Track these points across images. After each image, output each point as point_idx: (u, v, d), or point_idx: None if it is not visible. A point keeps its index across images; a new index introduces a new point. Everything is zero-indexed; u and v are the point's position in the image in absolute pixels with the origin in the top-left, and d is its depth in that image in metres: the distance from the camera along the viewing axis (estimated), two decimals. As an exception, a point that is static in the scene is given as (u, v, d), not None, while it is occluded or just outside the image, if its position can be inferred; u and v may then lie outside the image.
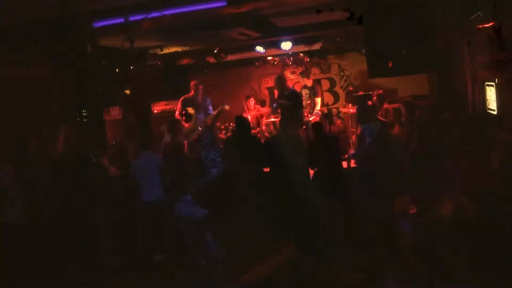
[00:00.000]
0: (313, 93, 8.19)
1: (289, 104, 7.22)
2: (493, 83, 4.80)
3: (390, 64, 4.70)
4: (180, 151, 5.81)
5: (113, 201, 5.48)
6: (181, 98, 7.57)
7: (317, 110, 8.04)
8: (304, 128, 7.95)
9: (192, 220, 5.54)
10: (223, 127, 8.45)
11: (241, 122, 5.89)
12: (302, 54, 9.55)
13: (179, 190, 5.59)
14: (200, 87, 7.59)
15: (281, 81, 7.66)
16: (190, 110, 7.31)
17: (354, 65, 9.63)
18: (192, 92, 7.56)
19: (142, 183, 5.50)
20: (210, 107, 7.69)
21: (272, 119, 8.23)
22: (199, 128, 7.29)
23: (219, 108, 7.52)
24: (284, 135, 6.09)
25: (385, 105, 7.02)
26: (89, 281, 4.90)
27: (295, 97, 7.38)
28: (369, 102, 7.28)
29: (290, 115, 7.11)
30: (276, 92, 7.90)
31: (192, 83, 7.66)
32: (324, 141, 5.68)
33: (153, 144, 5.78)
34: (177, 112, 7.51)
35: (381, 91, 7.51)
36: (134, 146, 6.21)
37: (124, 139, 7.66)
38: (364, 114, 5.39)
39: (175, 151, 5.77)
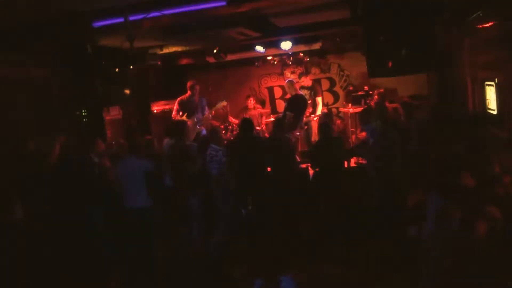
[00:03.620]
0: (314, 93, 8.21)
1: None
2: (493, 83, 4.80)
3: (390, 64, 4.70)
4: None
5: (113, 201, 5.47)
6: (178, 99, 7.57)
7: (322, 110, 8.14)
8: (306, 128, 7.97)
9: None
10: (222, 126, 8.46)
11: (245, 122, 5.93)
12: (302, 54, 9.56)
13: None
14: (197, 87, 7.59)
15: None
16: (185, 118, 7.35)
17: (354, 65, 9.63)
18: (188, 93, 7.56)
19: (125, 188, 5.21)
20: (206, 107, 7.73)
21: (272, 119, 8.24)
22: (198, 127, 7.32)
23: (217, 106, 7.57)
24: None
25: (385, 104, 7.04)
26: (88, 281, 4.92)
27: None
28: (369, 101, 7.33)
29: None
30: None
31: (188, 83, 7.64)
32: (330, 141, 5.70)
33: (140, 148, 5.45)
34: (174, 113, 7.53)
35: (382, 90, 7.51)
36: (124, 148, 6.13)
37: (123, 138, 7.66)
38: (364, 115, 5.43)
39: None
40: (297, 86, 8.26)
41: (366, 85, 8.84)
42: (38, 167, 5.20)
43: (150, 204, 5.23)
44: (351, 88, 9.69)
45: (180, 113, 7.43)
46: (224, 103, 7.66)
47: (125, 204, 5.20)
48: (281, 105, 10.45)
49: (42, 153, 5.49)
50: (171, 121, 7.30)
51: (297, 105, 7.52)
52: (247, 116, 8.56)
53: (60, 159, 5.34)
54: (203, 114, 7.60)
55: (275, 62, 10.00)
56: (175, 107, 7.57)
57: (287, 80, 8.17)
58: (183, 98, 7.56)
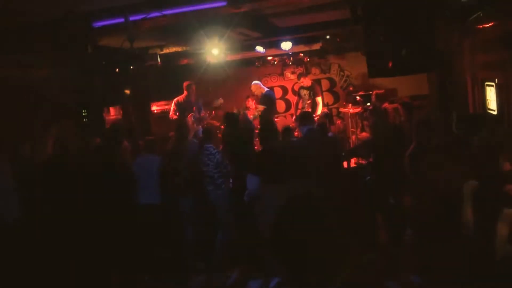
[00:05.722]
0: (313, 93, 8.23)
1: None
2: (493, 83, 4.81)
3: (390, 64, 4.69)
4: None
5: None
6: (174, 100, 7.60)
7: (322, 110, 8.14)
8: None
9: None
10: (222, 127, 8.45)
11: (229, 118, 5.91)
12: (302, 54, 9.56)
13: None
14: (193, 87, 7.66)
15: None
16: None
17: (354, 65, 9.64)
18: (185, 93, 7.59)
19: (139, 185, 5.38)
20: (202, 108, 7.80)
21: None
22: (195, 126, 7.34)
23: (213, 104, 7.61)
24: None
25: (385, 105, 7.05)
26: (90, 280, 4.90)
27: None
28: None
29: None
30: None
31: (185, 84, 7.70)
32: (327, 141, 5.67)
33: (154, 146, 5.70)
34: (171, 113, 7.55)
35: (381, 91, 7.53)
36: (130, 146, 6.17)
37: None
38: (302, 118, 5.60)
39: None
40: (297, 87, 8.28)
41: (366, 85, 8.85)
42: (34, 167, 5.19)
43: (160, 201, 5.37)
44: (351, 88, 9.70)
45: (177, 113, 7.45)
46: (221, 100, 7.70)
47: (139, 201, 5.33)
48: (281, 105, 10.46)
49: (38, 155, 5.47)
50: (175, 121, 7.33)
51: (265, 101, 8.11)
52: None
53: (55, 156, 5.28)
54: (200, 114, 7.63)
55: (275, 62, 10.01)
56: (172, 108, 7.60)
57: (253, 82, 8.31)
58: (180, 99, 7.60)
